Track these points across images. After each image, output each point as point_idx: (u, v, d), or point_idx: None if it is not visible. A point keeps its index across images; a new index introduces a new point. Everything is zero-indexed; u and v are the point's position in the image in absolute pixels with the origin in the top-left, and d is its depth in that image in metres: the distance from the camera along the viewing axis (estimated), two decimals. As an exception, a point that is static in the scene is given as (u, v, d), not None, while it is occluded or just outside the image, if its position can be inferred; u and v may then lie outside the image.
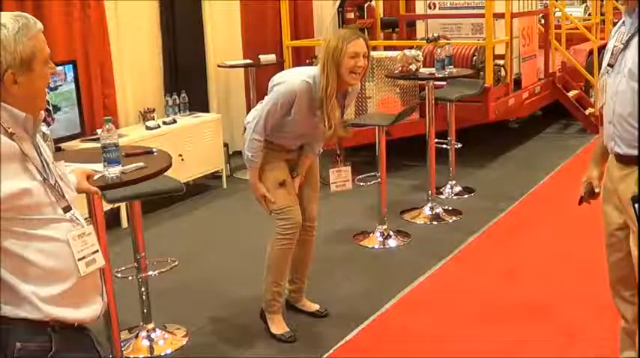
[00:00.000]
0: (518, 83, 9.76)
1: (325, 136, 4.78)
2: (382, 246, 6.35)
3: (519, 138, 10.51)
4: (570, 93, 10.92)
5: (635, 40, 3.37)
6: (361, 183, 6.84)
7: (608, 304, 5.06)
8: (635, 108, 3.33)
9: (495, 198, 7.56)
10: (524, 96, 9.82)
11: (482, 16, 8.86)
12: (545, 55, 10.81)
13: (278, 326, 4.83)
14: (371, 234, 6.49)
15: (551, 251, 6.16)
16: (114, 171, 3.83)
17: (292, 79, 4.58)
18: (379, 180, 6.49)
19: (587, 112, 10.85)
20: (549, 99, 10.79)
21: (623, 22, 3.50)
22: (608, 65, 3.50)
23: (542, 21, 11.44)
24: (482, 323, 4.88)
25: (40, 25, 2.38)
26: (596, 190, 3.75)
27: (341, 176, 4.87)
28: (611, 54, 3.49)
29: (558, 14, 11.95)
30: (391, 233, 6.46)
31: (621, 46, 3.44)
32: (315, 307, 5.14)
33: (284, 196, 4.72)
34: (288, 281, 5.09)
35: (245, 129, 4.78)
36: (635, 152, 3.37)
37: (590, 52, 11.54)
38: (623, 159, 3.45)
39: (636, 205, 3.27)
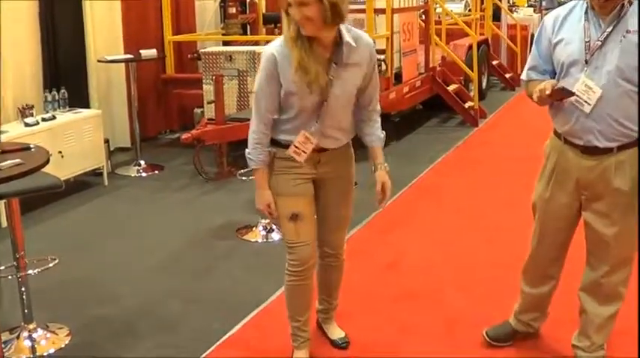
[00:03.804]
0: (398, 77, 9.92)
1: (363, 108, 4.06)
2: (265, 240, 6.35)
3: (400, 131, 10.66)
4: (450, 87, 11.13)
5: (615, 38, 3.61)
6: (243, 178, 6.87)
7: (486, 292, 5.23)
8: (630, 109, 3.63)
9: (378, 190, 7.64)
10: (405, 90, 9.98)
11: (363, 11, 8.96)
12: (425, 49, 11.00)
13: None
14: (254, 228, 6.49)
15: (432, 241, 6.28)
16: (-10, 168, 3.76)
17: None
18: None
19: (466, 106, 11.08)
20: (430, 93, 11.00)
21: (585, 16, 3.71)
22: (585, 61, 3.68)
23: (423, 16, 11.63)
24: (365, 313, 4.93)
25: None
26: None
27: (305, 145, 3.91)
28: (587, 50, 3.67)
29: (439, 10, 12.16)
30: (274, 226, 6.46)
31: (599, 43, 3.64)
32: (337, 335, 4.59)
33: (293, 231, 4.06)
34: (317, 299, 4.59)
35: None
36: (612, 144, 3.70)
37: (470, 47, 11.80)
38: (596, 151, 3.74)
39: None
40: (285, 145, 3.95)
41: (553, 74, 3.89)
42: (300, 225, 4.04)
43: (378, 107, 4.17)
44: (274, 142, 3.99)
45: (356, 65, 3.86)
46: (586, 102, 3.67)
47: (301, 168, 3.98)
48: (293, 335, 4.35)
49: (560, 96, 3.73)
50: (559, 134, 3.91)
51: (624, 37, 3.60)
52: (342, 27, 3.78)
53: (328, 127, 3.93)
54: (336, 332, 4.60)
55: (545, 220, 4.07)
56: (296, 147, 3.91)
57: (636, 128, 3.68)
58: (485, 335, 4.44)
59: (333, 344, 4.56)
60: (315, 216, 4.19)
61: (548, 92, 3.68)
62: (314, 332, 4.55)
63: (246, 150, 3.98)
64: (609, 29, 3.63)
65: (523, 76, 4.07)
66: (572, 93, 3.68)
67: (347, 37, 3.78)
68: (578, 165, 3.83)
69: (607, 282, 3.99)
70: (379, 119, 4.18)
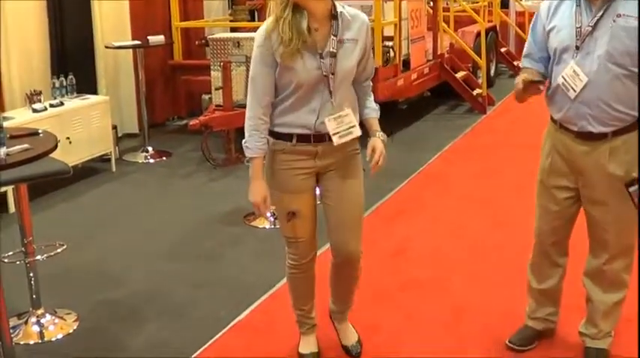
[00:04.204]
0: (407, 64, 9.89)
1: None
2: (273, 226, 6.32)
3: (408, 118, 10.65)
4: (458, 75, 11.10)
5: (605, 23, 3.63)
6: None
7: (494, 280, 5.22)
8: (622, 93, 3.66)
9: (385, 177, 7.60)
10: (413, 77, 9.95)
11: (371, -2, 8.93)
12: (433, 36, 10.97)
13: (303, 345, 4.31)
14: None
15: (439, 229, 6.28)
16: (-2, 153, 3.76)
17: None
18: (270, 160, 6.49)
19: (474, 93, 11.04)
20: (437, 80, 10.96)
21: (577, 2, 3.73)
22: (575, 47, 3.71)
23: (431, 3, 11.59)
24: (372, 300, 4.92)
25: None
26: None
27: (343, 123, 3.76)
28: (578, 35, 3.69)
29: (447, -4, 12.12)
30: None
31: (589, 29, 3.66)
32: (349, 340, 4.36)
33: (290, 228, 3.97)
34: (330, 299, 4.38)
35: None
36: (607, 129, 3.72)
37: (478, 34, 11.76)
38: (590, 137, 3.76)
39: (632, 188, 3.68)
40: (285, 134, 3.80)
41: (548, 61, 3.92)
42: (298, 222, 3.93)
43: (371, 82, 4.05)
44: (273, 134, 3.84)
45: (353, 41, 3.75)
46: (572, 88, 3.71)
47: (300, 161, 3.83)
48: (299, 322, 4.31)
49: (534, 91, 3.80)
50: (555, 120, 3.93)
51: (614, 21, 3.61)
52: (337, 4, 3.74)
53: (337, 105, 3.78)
54: (349, 337, 4.38)
55: (546, 205, 4.05)
56: (335, 134, 3.74)
57: (630, 111, 3.70)
58: (509, 343, 4.32)
59: (345, 350, 4.34)
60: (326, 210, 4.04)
61: (520, 87, 3.77)
62: (323, 324, 4.44)
63: (244, 140, 3.84)
64: (599, 14, 3.65)
65: (521, 64, 4.11)
66: (543, 83, 3.80)
67: (341, 9, 3.73)
68: (572, 150, 3.84)
69: (609, 270, 3.99)
70: (372, 94, 4.08)
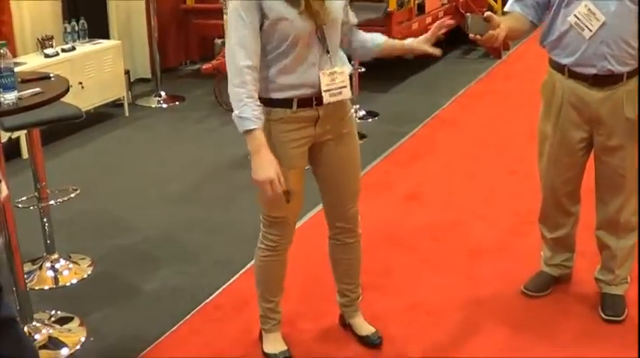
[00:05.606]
0: (421, 8, 9.78)
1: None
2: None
3: (422, 62, 10.54)
4: (472, 18, 10.96)
5: None
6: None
7: (509, 224, 5.20)
8: (636, 30, 3.62)
9: (399, 121, 7.60)
10: (428, 20, 9.84)
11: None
12: (448, -21, 10.83)
13: (269, 344, 3.88)
14: (275, 159, 6.45)
15: (454, 173, 6.24)
16: (10, 97, 3.72)
17: None
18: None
19: (489, 37, 10.91)
20: (452, 24, 10.83)
21: None
22: None
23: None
24: (386, 244, 4.93)
25: None
26: (495, 28, 3.55)
27: (336, 80, 3.39)
28: None
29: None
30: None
31: None
32: (367, 330, 3.96)
33: (283, 207, 3.53)
34: (337, 292, 4.03)
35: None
36: (624, 69, 3.69)
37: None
38: (607, 81, 3.70)
39: None
40: (284, 100, 3.37)
41: (540, 8, 3.84)
42: (292, 200, 3.48)
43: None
44: (269, 102, 3.38)
45: None
46: (587, 27, 3.64)
47: (299, 131, 3.42)
48: (263, 317, 3.89)
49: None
50: (562, 68, 3.81)
51: None
52: None
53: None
54: (365, 328, 3.99)
55: (558, 157, 3.98)
56: (326, 91, 3.36)
57: None
58: (524, 290, 4.31)
59: (364, 341, 3.96)
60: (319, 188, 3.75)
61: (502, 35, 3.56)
62: (338, 330, 4.11)
63: (235, 112, 3.34)
64: None
65: (507, 7, 3.95)
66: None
67: None
68: (587, 99, 3.76)
69: (622, 215, 3.97)
70: None
